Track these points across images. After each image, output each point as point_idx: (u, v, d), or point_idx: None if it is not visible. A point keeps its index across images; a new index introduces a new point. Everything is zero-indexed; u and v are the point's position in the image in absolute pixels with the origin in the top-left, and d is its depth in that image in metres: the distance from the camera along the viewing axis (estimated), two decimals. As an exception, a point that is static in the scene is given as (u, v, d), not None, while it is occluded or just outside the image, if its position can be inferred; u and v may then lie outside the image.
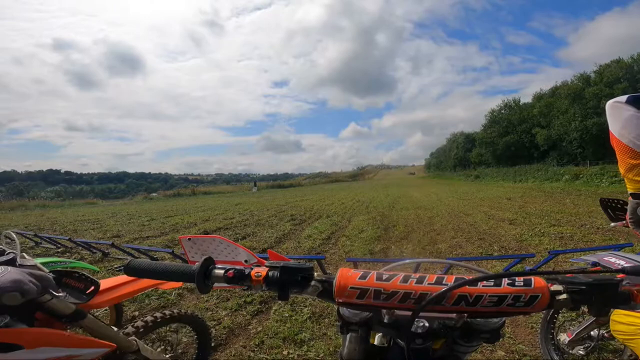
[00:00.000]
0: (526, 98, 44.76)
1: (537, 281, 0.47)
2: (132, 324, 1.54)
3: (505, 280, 0.47)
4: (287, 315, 2.79)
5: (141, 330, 1.52)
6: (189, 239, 0.92)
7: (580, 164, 27.72)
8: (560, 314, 1.96)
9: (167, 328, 1.84)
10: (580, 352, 1.81)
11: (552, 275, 0.51)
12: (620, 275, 0.49)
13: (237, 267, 0.56)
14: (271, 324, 2.66)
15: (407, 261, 0.81)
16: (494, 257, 4.33)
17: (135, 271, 0.61)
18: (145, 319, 1.59)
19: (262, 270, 0.54)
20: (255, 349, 2.34)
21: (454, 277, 0.48)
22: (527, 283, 0.47)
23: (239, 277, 0.54)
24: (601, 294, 0.46)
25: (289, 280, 0.53)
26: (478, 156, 49.31)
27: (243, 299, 3.13)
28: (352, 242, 5.93)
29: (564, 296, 0.48)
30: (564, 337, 1.86)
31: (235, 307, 3.00)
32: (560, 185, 21.12)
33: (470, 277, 0.47)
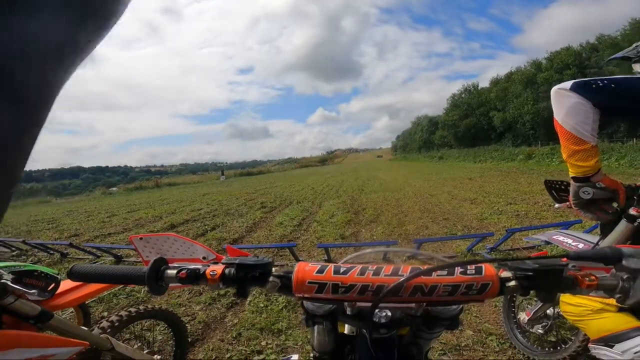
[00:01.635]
0: (484, 83, 47.04)
1: (488, 269, 0.48)
2: (102, 321, 1.51)
3: (458, 269, 0.48)
4: (262, 305, 2.80)
5: (113, 327, 1.49)
6: (141, 239, 0.88)
7: (533, 144, 29.64)
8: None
9: (142, 326, 1.80)
10: (539, 330, 1.89)
11: (502, 262, 0.52)
12: (563, 260, 0.50)
13: (191, 266, 0.53)
14: (247, 316, 2.67)
15: (369, 251, 0.82)
16: (457, 237, 4.58)
17: (80, 276, 0.58)
18: (116, 315, 1.56)
19: (218, 268, 0.52)
20: (233, 342, 2.34)
21: (409, 267, 0.49)
22: (478, 271, 0.48)
23: (193, 277, 0.52)
24: (547, 279, 0.48)
25: (246, 277, 0.51)
26: (441, 138, 51.37)
27: (216, 292, 3.09)
28: (324, 227, 6.01)
29: (513, 283, 0.49)
30: (523, 316, 1.93)
31: (209, 301, 2.96)
32: (515, 164, 22.53)
33: (425, 268, 0.48)
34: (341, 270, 0.49)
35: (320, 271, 0.49)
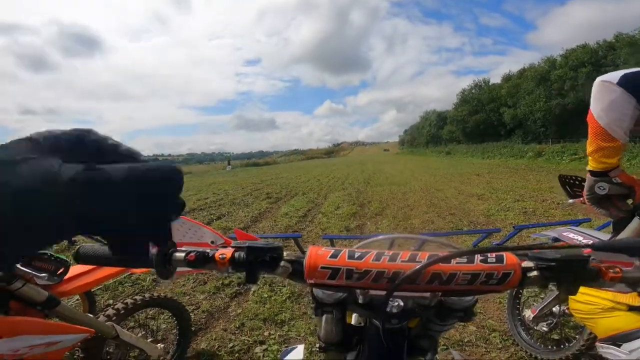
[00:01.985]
0: (495, 79, 46.49)
1: (509, 257, 0.45)
2: (108, 309, 1.53)
3: (478, 257, 0.45)
4: (266, 296, 2.81)
5: (119, 314, 1.51)
6: None
7: (543, 142, 29.18)
8: (524, 290, 2.02)
9: (146, 314, 1.81)
10: (544, 328, 1.87)
11: (523, 251, 0.49)
12: (586, 251, 0.47)
13: (200, 249, 0.51)
14: (251, 306, 2.68)
15: (381, 237, 0.78)
16: (464, 232, 4.54)
17: (86, 258, 0.55)
18: (122, 303, 1.57)
19: (227, 252, 0.49)
20: (236, 332, 2.35)
21: (427, 254, 0.46)
22: (500, 259, 0.45)
23: (202, 260, 0.49)
24: (570, 271, 0.45)
25: (257, 261, 0.49)
26: (449, 133, 50.89)
27: (220, 282, 3.11)
28: (329, 219, 6.01)
29: (534, 273, 0.46)
30: (528, 314, 1.92)
31: (213, 290, 2.98)
32: (524, 162, 22.22)
33: (444, 254, 0.44)
34: (356, 255, 0.46)
35: (334, 256, 0.47)
